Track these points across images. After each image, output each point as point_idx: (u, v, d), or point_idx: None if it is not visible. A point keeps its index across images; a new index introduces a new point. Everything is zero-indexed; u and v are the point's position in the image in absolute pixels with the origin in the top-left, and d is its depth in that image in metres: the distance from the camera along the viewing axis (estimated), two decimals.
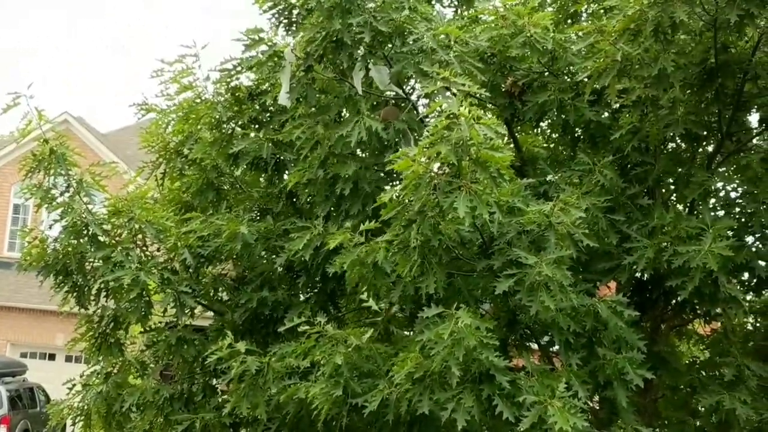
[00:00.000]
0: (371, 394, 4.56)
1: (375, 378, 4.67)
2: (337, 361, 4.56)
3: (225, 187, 6.27)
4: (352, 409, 4.68)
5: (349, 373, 4.62)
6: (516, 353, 5.12)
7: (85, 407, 5.88)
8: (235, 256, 5.69)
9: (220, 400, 5.76)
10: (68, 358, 16.32)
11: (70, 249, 5.63)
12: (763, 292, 6.58)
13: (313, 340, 4.75)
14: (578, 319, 4.65)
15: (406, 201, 4.44)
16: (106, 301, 5.88)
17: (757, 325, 6.65)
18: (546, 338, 5.08)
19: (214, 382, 5.92)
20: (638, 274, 5.15)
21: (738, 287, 4.96)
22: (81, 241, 5.67)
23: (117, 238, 5.64)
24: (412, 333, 5.07)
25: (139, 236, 5.73)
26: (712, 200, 5.51)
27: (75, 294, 5.78)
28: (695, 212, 5.32)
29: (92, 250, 5.62)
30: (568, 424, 4.14)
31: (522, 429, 4.21)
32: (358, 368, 4.70)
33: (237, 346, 5.00)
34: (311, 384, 4.68)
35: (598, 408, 5.21)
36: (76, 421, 5.97)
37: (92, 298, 5.77)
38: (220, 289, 6.13)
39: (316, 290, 5.73)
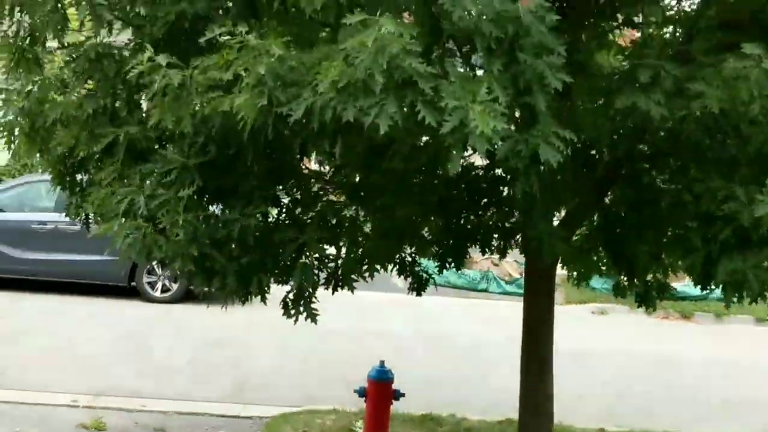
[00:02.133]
0: (296, 103, 4.56)
1: (299, 87, 4.65)
2: (260, 70, 4.54)
3: None
4: (277, 119, 4.70)
5: (273, 83, 4.60)
6: (439, 61, 5.14)
7: (7, 123, 5.84)
8: None
9: (144, 114, 5.77)
10: None
11: None
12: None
13: (235, 51, 4.68)
14: (500, 24, 4.63)
15: None
16: (21, 16, 5.70)
17: (677, 34, 6.75)
18: (468, 47, 5.08)
19: (137, 97, 5.89)
20: None
21: None
22: None
23: None
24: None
25: None
26: None
27: None
28: None
29: None
30: (488, 127, 4.24)
31: (443, 132, 4.33)
32: (282, 78, 4.68)
33: (158, 59, 4.94)
34: (236, 95, 4.68)
35: (518, 114, 5.31)
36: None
37: (6, 12, 5.58)
38: (138, 2, 5.93)
39: (236, 2, 5.56)
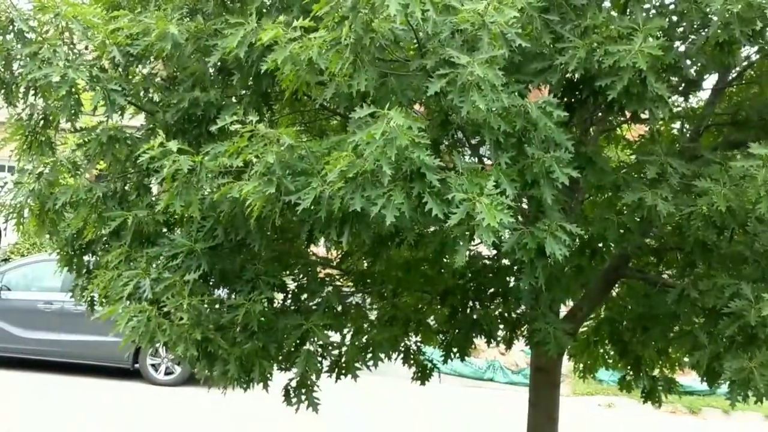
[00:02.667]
0: (304, 192, 4.61)
1: (308, 176, 4.71)
2: (269, 159, 4.59)
3: None
4: (285, 207, 4.74)
5: (281, 172, 4.65)
6: (447, 153, 5.20)
7: (18, 205, 5.88)
8: (165, 56, 5.59)
9: (153, 198, 5.81)
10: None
11: None
12: (690, 94, 6.73)
13: (246, 140, 4.74)
14: (509, 119, 4.71)
15: None
16: (35, 100, 5.80)
17: (684, 129, 6.82)
18: (477, 139, 5.14)
19: (147, 181, 5.95)
20: (569, 75, 5.16)
21: (665, 87, 5.00)
22: (7, 37, 5.54)
23: (44, 35, 5.51)
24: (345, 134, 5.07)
25: (66, 34, 5.57)
26: (646, 5, 5.50)
27: (2, 92, 5.70)
28: (628, 12, 5.30)
29: (19, 46, 5.50)
30: (495, 220, 4.26)
31: (450, 224, 4.35)
32: (291, 167, 4.74)
33: (168, 145, 4.99)
34: (244, 183, 4.72)
35: (526, 207, 5.35)
36: (9, 218, 5.98)
37: (20, 96, 5.68)
38: (151, 89, 6.05)
39: (249, 91, 5.65)
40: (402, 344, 6.58)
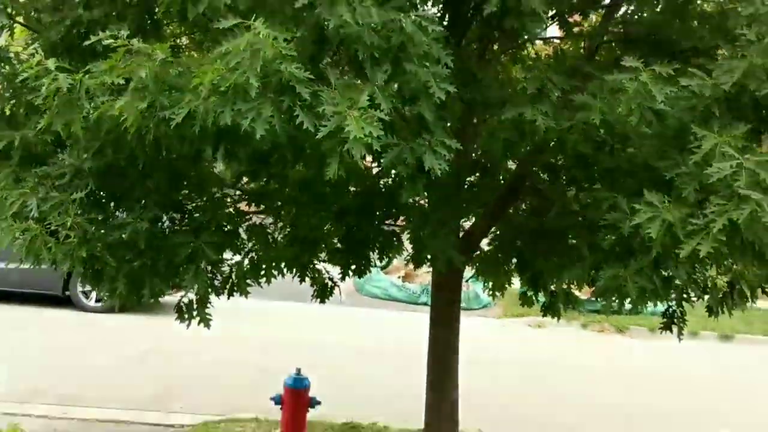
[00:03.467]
0: (178, 107, 4.61)
1: (184, 92, 4.70)
2: (140, 74, 4.58)
3: None
4: (161, 122, 4.73)
5: (155, 87, 4.64)
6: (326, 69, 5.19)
7: None
8: None
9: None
10: None
11: None
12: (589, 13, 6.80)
13: (120, 56, 4.72)
14: (383, 33, 4.72)
15: None
16: None
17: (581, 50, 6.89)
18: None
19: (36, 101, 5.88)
20: None
21: (540, 1, 5.04)
22: None
23: None
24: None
25: None
26: None
27: None
28: None
29: None
30: (362, 132, 4.31)
31: (319, 137, 4.39)
32: (165, 82, 4.73)
33: (47, 64, 4.95)
34: (119, 99, 4.71)
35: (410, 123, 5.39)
36: None
37: None
38: (40, 8, 5.97)
39: (135, 8, 5.59)
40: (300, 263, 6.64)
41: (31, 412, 9.61)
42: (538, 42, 7.71)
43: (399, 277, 18.50)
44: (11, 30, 5.79)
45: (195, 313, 5.87)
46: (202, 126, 4.57)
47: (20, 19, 6.00)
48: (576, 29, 6.70)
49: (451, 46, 5.37)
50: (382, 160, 4.89)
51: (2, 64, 5.68)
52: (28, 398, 9.95)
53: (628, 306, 5.38)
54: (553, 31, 7.13)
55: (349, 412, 9.72)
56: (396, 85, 4.84)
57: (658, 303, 5.53)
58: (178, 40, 6.77)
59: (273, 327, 13.93)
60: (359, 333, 14.41)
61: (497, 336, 15.59)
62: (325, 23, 4.56)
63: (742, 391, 12.99)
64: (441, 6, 5.40)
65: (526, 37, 6.45)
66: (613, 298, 5.21)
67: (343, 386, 10.28)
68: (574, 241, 6.04)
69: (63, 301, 14.56)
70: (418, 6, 5.14)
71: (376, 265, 6.78)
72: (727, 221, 4.52)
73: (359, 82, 4.79)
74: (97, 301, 14.42)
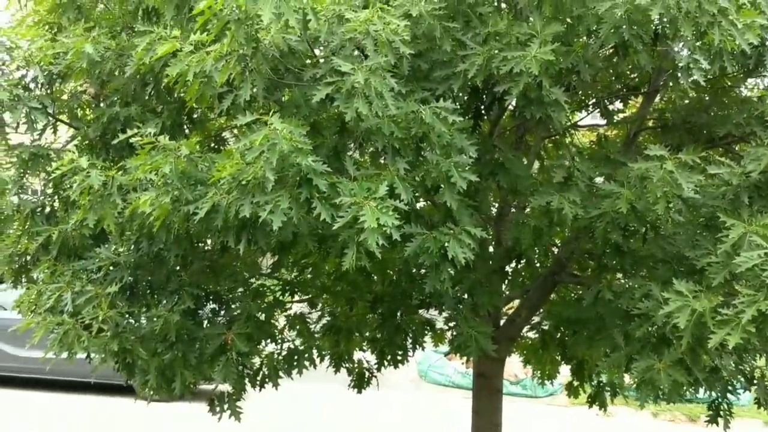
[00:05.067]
0: (202, 201, 4.70)
1: (208, 186, 4.80)
2: (165, 170, 4.69)
3: (87, 5, 6.18)
4: (186, 216, 4.83)
5: (179, 182, 4.75)
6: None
7: None
8: (85, 74, 5.71)
9: None
10: None
11: None
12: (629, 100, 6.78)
13: (146, 152, 4.84)
14: (403, 125, 4.77)
15: (219, 8, 4.47)
16: None
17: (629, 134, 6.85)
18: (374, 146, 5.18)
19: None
20: (472, 82, 5.19)
21: (561, 90, 5.05)
22: None
23: None
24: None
25: None
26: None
27: None
28: (528, 18, 5.35)
29: None
30: (377, 222, 4.33)
31: (336, 228, 4.43)
32: (191, 177, 4.83)
33: (79, 161, 5.10)
34: (145, 194, 4.82)
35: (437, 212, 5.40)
36: None
37: None
38: (80, 106, 6.18)
39: (167, 104, 5.75)
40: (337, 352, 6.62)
41: None
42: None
43: (462, 363, 18.23)
44: (54, 128, 5.99)
45: (226, 406, 5.87)
46: (224, 218, 4.64)
47: (63, 117, 6.19)
48: (618, 116, 6.68)
49: (477, 135, 5.41)
50: (405, 250, 4.89)
51: (43, 161, 5.85)
52: None
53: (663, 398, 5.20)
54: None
55: None
56: (420, 175, 4.89)
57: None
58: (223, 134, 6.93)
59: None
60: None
61: (562, 426, 15.19)
62: (344, 115, 4.61)
63: None
64: (467, 98, 5.43)
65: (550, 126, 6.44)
66: (648, 391, 5.05)
67: None
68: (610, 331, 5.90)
69: (125, 390, 14.64)
70: (445, 97, 5.17)
71: (413, 355, 6.69)
72: (756, 312, 4.40)
73: (381, 172, 4.82)
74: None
